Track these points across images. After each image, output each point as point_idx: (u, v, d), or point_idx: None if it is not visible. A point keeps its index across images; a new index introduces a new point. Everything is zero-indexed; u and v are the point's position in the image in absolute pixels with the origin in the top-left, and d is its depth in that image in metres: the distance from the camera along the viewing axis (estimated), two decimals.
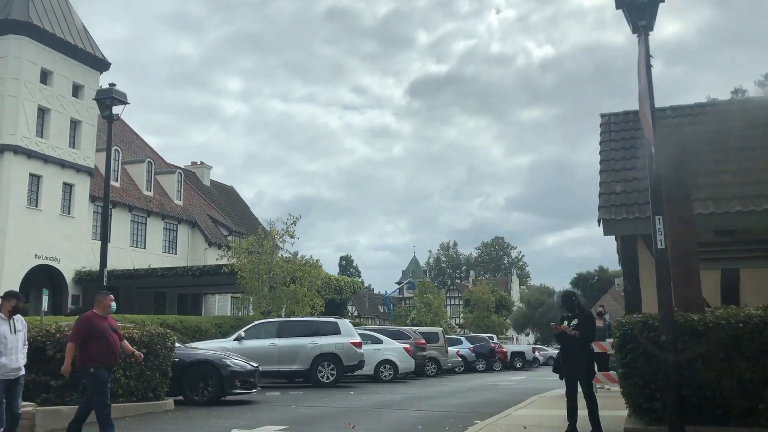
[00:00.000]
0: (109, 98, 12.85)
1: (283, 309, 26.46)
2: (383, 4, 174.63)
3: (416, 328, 29.48)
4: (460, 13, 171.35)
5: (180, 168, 43.02)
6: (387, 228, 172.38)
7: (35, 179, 30.08)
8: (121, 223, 36.01)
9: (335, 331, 20.04)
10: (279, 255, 26.92)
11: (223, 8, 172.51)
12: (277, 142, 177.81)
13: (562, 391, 9.17)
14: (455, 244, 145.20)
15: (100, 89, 13.07)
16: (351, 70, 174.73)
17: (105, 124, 14.35)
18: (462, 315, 71.27)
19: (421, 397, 16.44)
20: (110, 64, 34.10)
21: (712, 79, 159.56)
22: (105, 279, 13.82)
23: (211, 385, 13.48)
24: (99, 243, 33.78)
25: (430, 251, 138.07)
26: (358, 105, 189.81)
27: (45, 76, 30.69)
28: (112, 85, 13.17)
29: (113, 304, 8.01)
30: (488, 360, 36.16)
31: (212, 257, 41.49)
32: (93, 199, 33.56)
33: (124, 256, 35.27)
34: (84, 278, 31.66)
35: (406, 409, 13.21)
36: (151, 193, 39.42)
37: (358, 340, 20.31)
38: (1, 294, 8.48)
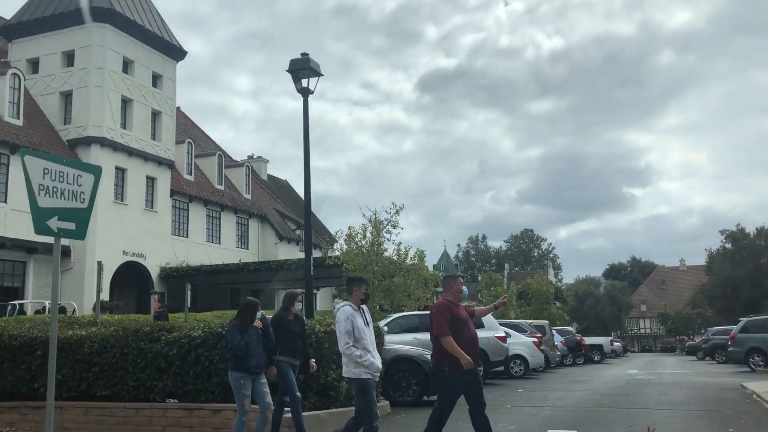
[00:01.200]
0: (305, 69, 11.47)
1: (388, 304, 25.07)
2: None
3: (526, 321, 28.05)
4: (468, 6, 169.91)
5: (247, 161, 41.72)
6: (399, 223, 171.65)
7: (120, 172, 28.94)
8: (197, 218, 34.86)
9: (478, 324, 18.65)
10: (383, 246, 25.53)
11: (231, 6, 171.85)
12: (287, 139, 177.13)
13: None
14: (484, 237, 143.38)
15: (294, 59, 11.68)
16: (360, 66, 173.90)
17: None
18: (515, 307, 69.67)
19: (620, 393, 14.98)
20: (186, 52, 32.89)
21: (724, 67, 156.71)
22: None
23: (415, 384, 12.16)
24: (180, 239, 32.92)
25: (459, 245, 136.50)
26: (367, 101, 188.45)
27: (126, 66, 29.52)
28: (304, 54, 11.78)
29: (464, 289, 6.58)
30: (575, 354, 34.83)
31: (283, 252, 40.27)
32: (172, 193, 32.38)
33: (201, 252, 34.10)
34: (170, 275, 30.52)
35: (653, 408, 11.74)
36: (222, 187, 38.23)
37: (502, 334, 18.92)
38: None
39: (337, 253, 26.38)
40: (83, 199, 7.72)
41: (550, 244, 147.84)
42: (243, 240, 38.81)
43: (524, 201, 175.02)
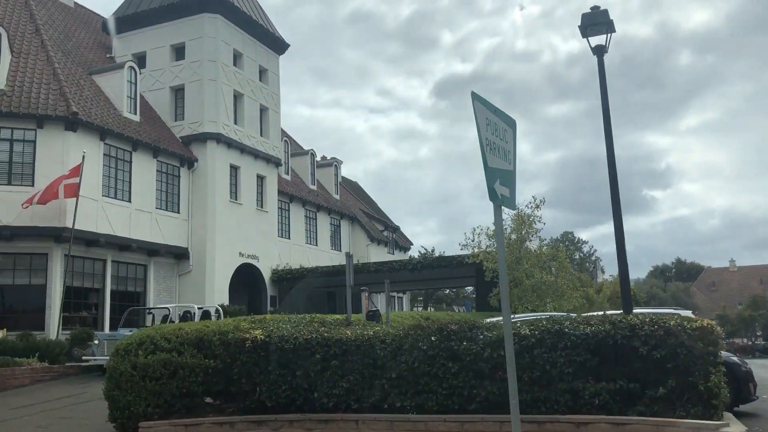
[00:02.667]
0: (600, 24, 9.82)
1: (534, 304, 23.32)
2: (406, 6, 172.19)
3: None
4: (484, 11, 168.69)
5: (333, 161, 40.27)
6: (417, 229, 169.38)
7: (234, 171, 27.52)
8: (297, 218, 33.42)
9: None
10: (526, 244, 23.84)
11: None
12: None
13: None
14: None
15: (586, 13, 10.05)
16: (375, 73, 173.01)
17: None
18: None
19: None
20: (288, 45, 31.47)
21: (744, 66, 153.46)
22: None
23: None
24: (283, 240, 31.43)
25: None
26: (383, 108, 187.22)
27: (236, 59, 28.15)
28: (595, 8, 10.15)
29: None
30: None
31: (375, 254, 38.72)
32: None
33: (300, 254, 32.59)
34: (283, 277, 29.04)
35: None
36: (314, 187, 36.79)
37: None
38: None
39: (469, 251, 24.65)
40: (509, 158, 6.12)
41: (592, 246, 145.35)
42: (336, 241, 37.30)
43: (544, 205, 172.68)
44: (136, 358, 9.36)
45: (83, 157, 20.25)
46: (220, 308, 20.92)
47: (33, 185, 20.40)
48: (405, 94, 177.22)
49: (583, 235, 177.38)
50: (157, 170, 24.66)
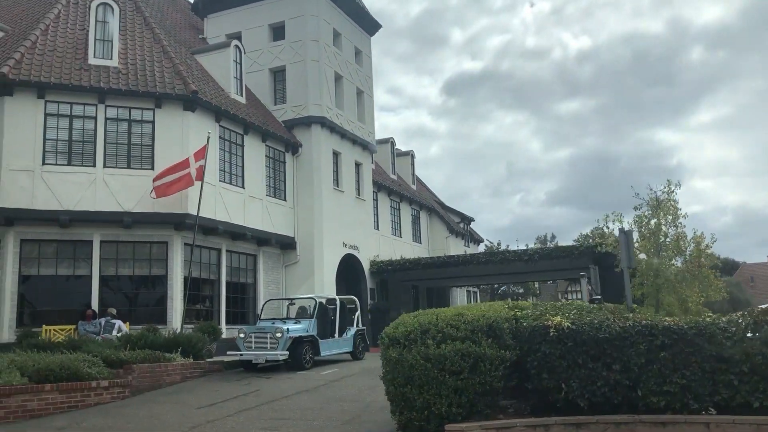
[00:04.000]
0: None
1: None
2: (416, 4, 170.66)
3: None
4: (494, 8, 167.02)
5: (411, 151, 38.77)
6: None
7: (335, 157, 26.09)
8: (384, 209, 31.97)
9: None
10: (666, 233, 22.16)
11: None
12: None
13: None
14: (553, 236, 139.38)
15: None
16: (385, 71, 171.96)
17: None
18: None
19: None
20: (381, 26, 30.03)
21: (757, 62, 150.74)
22: None
23: None
24: (374, 231, 29.98)
25: (527, 245, 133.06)
26: (393, 106, 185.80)
27: (335, 39, 26.73)
28: None
29: None
30: None
31: (455, 247, 37.25)
32: None
33: (388, 245, 31.11)
34: (383, 269, 27.59)
35: None
36: (395, 177, 35.33)
37: None
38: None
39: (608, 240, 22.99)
40: None
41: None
42: (416, 233, 35.82)
43: (553, 203, 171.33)
44: (426, 349, 7.91)
45: (208, 138, 18.90)
46: (356, 299, 19.46)
47: (153, 168, 19.05)
48: (415, 93, 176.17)
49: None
50: (266, 155, 23.29)
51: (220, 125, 20.94)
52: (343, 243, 25.70)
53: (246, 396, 12.61)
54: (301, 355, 15.72)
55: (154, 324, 18.03)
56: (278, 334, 15.58)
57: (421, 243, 35.80)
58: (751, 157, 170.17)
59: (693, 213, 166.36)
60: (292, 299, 18.04)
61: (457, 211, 41.04)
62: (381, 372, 8.44)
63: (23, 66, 18.44)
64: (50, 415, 11.81)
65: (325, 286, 23.88)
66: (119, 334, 17.00)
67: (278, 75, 25.76)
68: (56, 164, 18.20)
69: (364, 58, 28.91)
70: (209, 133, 19.03)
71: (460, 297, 38.34)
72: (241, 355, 16.05)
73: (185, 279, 19.15)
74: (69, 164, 18.33)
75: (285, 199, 24.07)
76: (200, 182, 18.58)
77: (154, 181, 18.37)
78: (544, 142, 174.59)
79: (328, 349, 16.83)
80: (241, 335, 16.14)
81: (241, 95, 23.29)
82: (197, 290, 20.29)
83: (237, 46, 23.48)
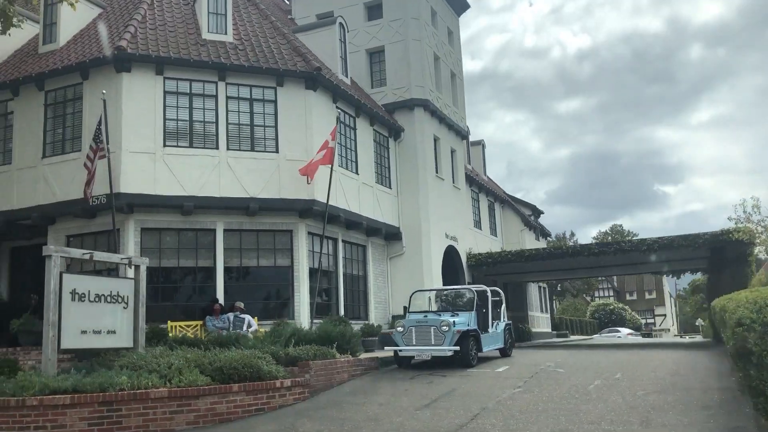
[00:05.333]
0: None
1: None
2: None
3: None
4: (493, 8, 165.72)
5: (481, 141, 37.22)
6: None
7: (436, 143, 24.65)
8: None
9: None
10: None
11: None
12: None
13: None
14: (573, 234, 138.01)
15: None
16: None
17: None
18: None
19: None
20: (469, 6, 28.57)
21: (756, 59, 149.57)
22: None
23: None
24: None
25: (549, 241, 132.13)
26: None
27: (432, 18, 25.30)
28: None
29: None
30: None
31: (529, 240, 35.77)
32: None
33: (472, 237, 29.60)
34: (482, 262, 26.14)
35: None
36: (471, 167, 33.82)
37: None
38: None
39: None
40: None
41: (636, 235, 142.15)
42: (492, 226, 34.32)
43: (554, 202, 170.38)
44: None
45: (338, 119, 17.47)
46: (501, 291, 17.99)
47: (277, 151, 17.62)
48: None
49: (593, 231, 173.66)
50: (373, 140, 21.86)
51: (336, 106, 19.50)
52: (446, 234, 24.27)
53: (451, 396, 11.15)
54: (468, 350, 14.27)
55: (282, 319, 16.69)
56: (444, 328, 14.13)
57: (496, 236, 34.33)
58: (752, 154, 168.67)
59: (694, 211, 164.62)
60: (444, 290, 16.50)
61: (526, 202, 39.57)
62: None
63: (139, 40, 17.03)
64: (240, 419, 10.44)
65: (434, 280, 22.45)
66: (250, 330, 15.60)
67: (375, 56, 24.33)
68: (177, 146, 16.77)
69: (455, 40, 27.47)
70: (339, 112, 17.60)
71: (534, 293, 36.92)
72: (400, 351, 14.60)
73: (311, 270, 17.77)
74: (190, 146, 16.90)
75: (390, 187, 22.64)
76: (330, 166, 17.18)
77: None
78: (544, 141, 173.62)
79: (486, 344, 15.38)
80: (399, 329, 14.68)
81: (347, 76, 21.86)
82: (316, 282, 18.87)
83: (341, 24, 22.04)
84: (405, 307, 16.11)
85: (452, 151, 26.16)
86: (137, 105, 16.42)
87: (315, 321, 17.23)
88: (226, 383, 10.82)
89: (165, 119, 16.71)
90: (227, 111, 17.31)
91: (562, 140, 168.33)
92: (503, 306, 17.56)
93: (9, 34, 13.89)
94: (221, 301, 16.51)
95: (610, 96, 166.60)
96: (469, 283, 26.28)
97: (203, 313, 16.31)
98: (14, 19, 13.21)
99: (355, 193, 20.07)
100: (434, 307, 16.56)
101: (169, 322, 15.78)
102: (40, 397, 9.73)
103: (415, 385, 12.47)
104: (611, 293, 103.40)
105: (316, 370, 12.28)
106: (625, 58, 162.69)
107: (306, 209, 17.60)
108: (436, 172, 24.28)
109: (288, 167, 17.47)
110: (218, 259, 16.94)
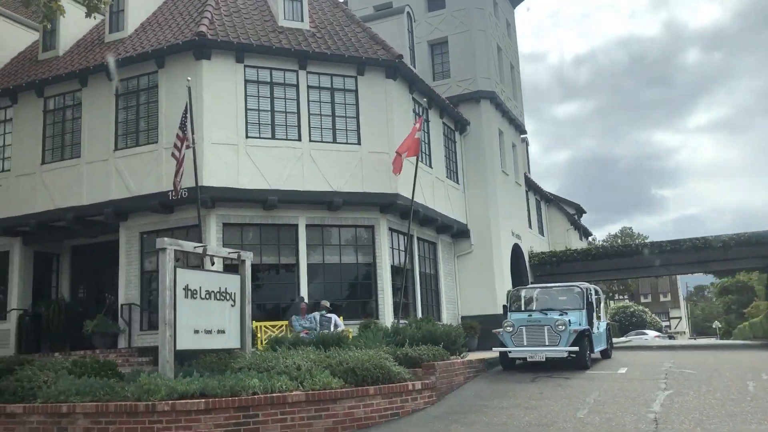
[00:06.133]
0: None
1: None
2: None
3: None
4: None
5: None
6: None
7: (500, 136, 23.81)
8: None
9: None
10: None
11: None
12: None
13: None
14: (591, 235, 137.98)
15: None
16: None
17: None
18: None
19: None
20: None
21: (753, 62, 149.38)
22: None
23: None
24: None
25: (590, 242, 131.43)
26: None
27: (494, 8, 24.50)
28: None
29: None
30: None
31: (575, 240, 34.90)
32: None
33: (529, 236, 28.71)
34: (545, 261, 25.34)
35: None
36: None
37: None
38: None
39: None
40: None
41: (647, 238, 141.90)
42: (540, 225, 33.43)
43: None
44: None
45: (423, 109, 16.65)
46: (599, 288, 17.09)
47: (359, 143, 16.79)
48: None
49: (592, 234, 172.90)
50: (443, 133, 21.03)
51: (413, 97, 18.68)
52: (512, 232, 23.44)
53: (603, 400, 10.26)
54: (585, 351, 13.41)
55: (368, 318, 15.86)
56: (560, 327, 13.26)
57: (543, 235, 33.44)
58: (749, 157, 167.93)
59: (691, 215, 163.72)
60: (548, 287, 15.64)
61: (570, 201, 38.71)
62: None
63: (217, 27, 16.22)
64: (377, 425, 9.62)
65: (504, 280, 21.63)
66: (337, 331, 14.73)
67: (437, 47, 23.55)
68: (260, 137, 15.93)
69: (512, 32, 26.69)
70: (424, 100, 16.79)
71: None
72: (509, 352, 13.72)
73: (392, 268, 16.95)
74: (272, 137, 16.06)
75: (458, 182, 21.81)
76: (415, 158, 16.36)
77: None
78: (542, 144, 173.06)
79: (596, 344, 14.51)
80: (509, 329, 13.80)
81: (414, 67, 21.03)
82: (397, 281, 18.04)
83: (409, 14, 21.23)
84: (504, 306, 15.20)
85: (513, 146, 25.33)
86: (218, 94, 15.60)
87: (402, 321, 16.38)
88: (360, 386, 9.98)
89: (246, 109, 15.88)
90: (308, 101, 16.48)
91: (560, 144, 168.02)
92: (602, 305, 16.67)
93: (94, 17, 13.14)
94: (307, 300, 15.68)
95: (607, 100, 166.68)
96: (531, 283, 25.42)
97: (287, 312, 15.48)
98: (101, 4, 12.56)
99: (430, 188, 19.25)
100: (534, 306, 15.58)
101: (253, 322, 14.92)
102: (172, 401, 8.90)
103: (544, 387, 11.59)
104: (625, 295, 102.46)
105: (440, 371, 11.42)
106: (623, 62, 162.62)
107: (388, 204, 16.78)
108: (502, 167, 23.44)
109: (370, 160, 16.65)
110: (301, 256, 16.09)
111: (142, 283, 15.99)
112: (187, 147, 14.09)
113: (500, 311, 20.62)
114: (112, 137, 16.39)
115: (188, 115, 14.17)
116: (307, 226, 16.30)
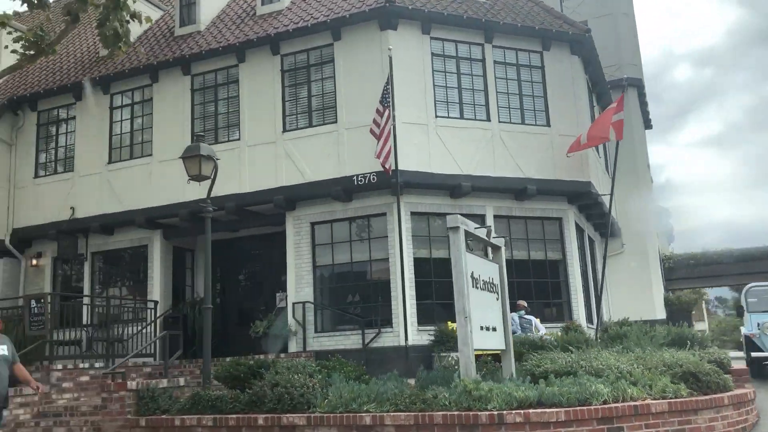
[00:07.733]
0: None
1: None
2: None
3: None
4: None
5: None
6: None
7: (643, 129, 22.17)
8: None
9: None
10: None
11: None
12: None
13: None
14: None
15: None
16: None
17: None
18: None
19: None
20: None
21: (743, 79, 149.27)
22: None
23: None
24: None
25: None
26: None
27: None
28: None
29: None
30: None
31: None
32: None
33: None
34: (681, 264, 23.56)
35: None
36: None
37: None
38: None
39: None
40: None
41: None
42: None
43: None
44: None
45: (625, 88, 15.01)
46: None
47: (548, 125, 15.12)
48: None
49: None
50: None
51: (586, 78, 17.04)
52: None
53: None
54: None
55: (570, 321, 14.15)
56: None
57: None
58: (740, 173, 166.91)
59: (682, 231, 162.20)
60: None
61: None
62: None
63: None
64: None
65: (659, 284, 19.94)
66: (539, 334, 13.03)
67: None
68: (448, 117, 14.26)
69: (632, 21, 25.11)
70: (625, 77, 15.16)
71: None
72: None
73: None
74: (461, 117, 14.39)
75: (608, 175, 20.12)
76: (617, 143, 14.71)
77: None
78: None
79: None
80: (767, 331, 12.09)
81: None
82: (587, 281, 16.39)
83: None
84: (740, 307, 13.51)
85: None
86: (405, 69, 13.92)
87: (590, 327, 14.69)
88: (706, 393, 8.27)
89: (434, 86, 14.22)
90: (495, 77, 14.83)
91: None
92: None
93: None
94: None
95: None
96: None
97: None
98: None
99: (603, 178, 17.58)
100: (748, 306, 13.88)
101: (447, 322, 13.23)
102: (523, 411, 7.20)
103: None
104: None
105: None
106: None
107: (578, 194, 15.10)
108: (646, 160, 21.81)
109: (560, 143, 14.95)
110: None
111: (314, 279, 14.23)
112: (390, 122, 12.48)
113: (659, 317, 19.00)
114: (280, 117, 14.69)
115: (389, 87, 12.57)
116: (495, 216, 14.58)
